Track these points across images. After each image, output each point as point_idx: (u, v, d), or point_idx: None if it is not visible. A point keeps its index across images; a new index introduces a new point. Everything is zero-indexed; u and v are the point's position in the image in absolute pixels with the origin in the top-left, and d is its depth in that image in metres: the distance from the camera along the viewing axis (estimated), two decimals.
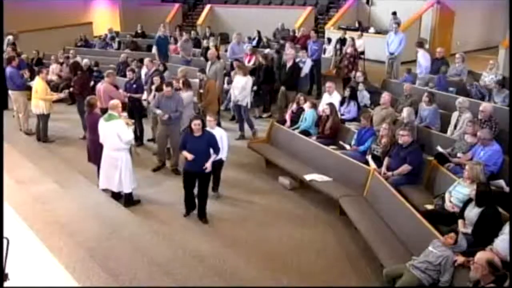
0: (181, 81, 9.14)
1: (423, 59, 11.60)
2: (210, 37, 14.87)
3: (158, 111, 8.14)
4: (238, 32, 13.59)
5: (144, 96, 9.71)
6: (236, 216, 7.04)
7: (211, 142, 6.66)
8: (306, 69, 10.86)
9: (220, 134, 7.07)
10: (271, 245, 6.27)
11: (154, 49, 14.14)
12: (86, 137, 7.81)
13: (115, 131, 6.87)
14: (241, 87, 9.74)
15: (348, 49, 12.06)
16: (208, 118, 7.25)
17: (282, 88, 10.45)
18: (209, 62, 10.81)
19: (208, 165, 6.61)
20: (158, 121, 8.44)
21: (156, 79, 9.27)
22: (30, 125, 10.55)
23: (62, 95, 10.91)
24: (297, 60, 10.98)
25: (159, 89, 8.76)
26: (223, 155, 7.15)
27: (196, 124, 6.51)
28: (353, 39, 12.52)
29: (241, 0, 22.04)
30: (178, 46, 14.33)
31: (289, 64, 10.55)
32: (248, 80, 9.88)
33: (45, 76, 10.11)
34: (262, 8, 20.74)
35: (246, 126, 10.06)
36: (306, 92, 11.11)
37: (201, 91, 9.41)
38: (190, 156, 6.51)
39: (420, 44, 12.17)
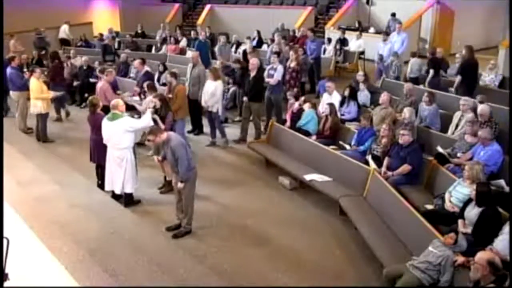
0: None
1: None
2: (246, 39, 14.69)
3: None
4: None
5: (136, 98, 9.68)
6: (236, 216, 7.04)
7: None
8: (278, 75, 9.97)
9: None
10: (271, 245, 6.27)
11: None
12: (90, 137, 7.78)
13: (123, 129, 6.88)
14: (210, 93, 9.31)
15: (292, 63, 10.72)
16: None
17: (245, 99, 9.75)
18: (190, 65, 10.37)
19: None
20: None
21: (155, 101, 7.72)
22: (29, 124, 10.56)
23: (58, 93, 10.92)
24: (269, 66, 10.24)
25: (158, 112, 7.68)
26: None
27: None
28: (296, 51, 11.30)
29: (241, 0, 22.03)
30: (216, 49, 13.92)
31: (252, 74, 9.60)
32: (218, 85, 9.35)
33: (39, 76, 10.09)
34: (262, 8, 20.71)
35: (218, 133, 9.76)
36: (281, 100, 10.27)
37: (170, 96, 8.95)
38: None
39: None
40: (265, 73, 10.06)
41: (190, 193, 6.33)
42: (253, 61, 9.87)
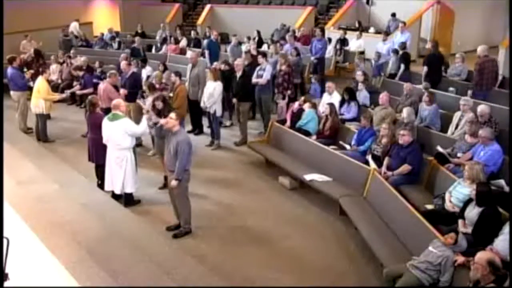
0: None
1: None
2: (246, 39, 14.57)
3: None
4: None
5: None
6: (236, 216, 7.05)
7: None
8: (267, 75, 9.94)
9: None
10: (271, 245, 6.27)
11: (206, 53, 13.81)
12: (87, 136, 7.80)
13: (123, 130, 6.88)
14: (209, 93, 9.30)
15: (282, 66, 10.53)
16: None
17: (234, 100, 9.77)
18: (189, 65, 10.34)
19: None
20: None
21: (158, 104, 7.51)
22: (29, 124, 10.57)
23: (64, 95, 10.95)
24: (257, 68, 10.14)
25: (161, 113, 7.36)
26: None
27: None
28: (284, 57, 10.99)
29: (241, 0, 22.03)
30: (228, 49, 13.80)
31: (238, 74, 9.67)
32: (217, 86, 9.31)
33: (48, 76, 10.16)
34: (262, 8, 20.72)
35: (221, 132, 9.82)
36: (270, 100, 10.24)
37: (171, 94, 9.01)
38: None
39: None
40: (254, 74, 10.02)
41: (183, 194, 6.33)
42: (238, 62, 9.91)
